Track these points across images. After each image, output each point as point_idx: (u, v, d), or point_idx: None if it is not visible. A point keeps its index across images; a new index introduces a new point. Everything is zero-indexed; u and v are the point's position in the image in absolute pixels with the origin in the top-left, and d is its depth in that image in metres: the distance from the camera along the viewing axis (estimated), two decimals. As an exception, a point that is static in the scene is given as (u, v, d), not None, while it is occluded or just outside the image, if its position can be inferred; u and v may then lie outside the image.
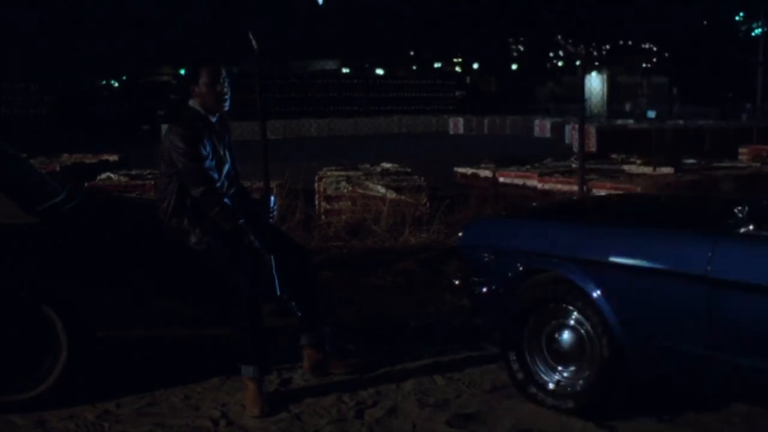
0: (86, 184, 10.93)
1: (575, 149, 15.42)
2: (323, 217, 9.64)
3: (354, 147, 27.73)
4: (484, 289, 4.34)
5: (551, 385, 4.05)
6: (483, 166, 13.78)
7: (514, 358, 4.13)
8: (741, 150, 18.20)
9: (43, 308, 4.14)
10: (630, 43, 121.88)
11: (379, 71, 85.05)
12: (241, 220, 4.24)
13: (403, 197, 9.46)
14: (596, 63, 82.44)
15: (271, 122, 37.38)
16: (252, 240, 4.23)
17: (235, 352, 4.24)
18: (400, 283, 6.68)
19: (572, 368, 4.02)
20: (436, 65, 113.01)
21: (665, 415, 3.90)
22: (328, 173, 11.29)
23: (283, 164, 11.23)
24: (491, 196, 11.62)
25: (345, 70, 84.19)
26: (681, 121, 33.84)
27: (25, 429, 3.98)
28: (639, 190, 10.13)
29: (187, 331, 4.31)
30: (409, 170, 11.97)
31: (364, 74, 76.06)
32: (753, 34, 55.87)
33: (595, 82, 56.63)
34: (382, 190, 9.82)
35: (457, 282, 4.84)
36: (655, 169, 11.98)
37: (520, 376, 4.12)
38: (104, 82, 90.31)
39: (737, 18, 76.44)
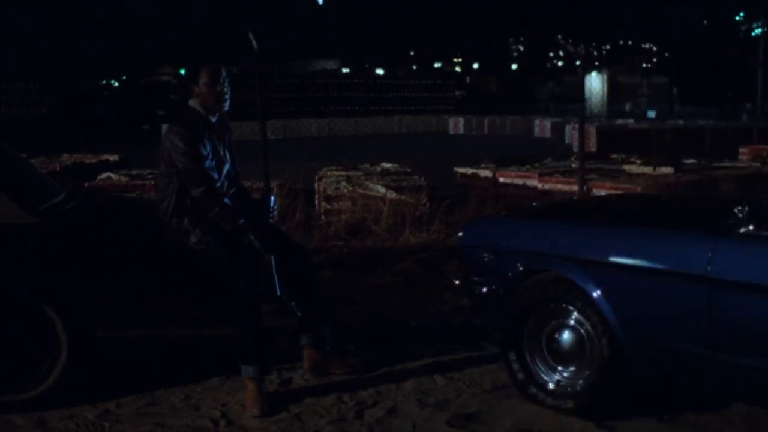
0: (86, 184, 10.94)
1: (575, 149, 15.42)
2: (323, 217, 9.64)
3: (354, 147, 27.71)
4: (484, 289, 4.34)
5: (551, 385, 4.05)
6: (483, 166, 13.78)
7: (514, 358, 4.14)
8: (741, 150, 18.21)
9: (43, 308, 4.14)
10: (630, 43, 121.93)
11: (379, 71, 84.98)
12: (241, 220, 4.24)
13: (403, 197, 9.46)
14: (596, 63, 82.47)
15: (271, 122, 37.36)
16: (252, 240, 4.23)
17: (235, 352, 4.24)
18: (400, 283, 6.69)
19: (572, 368, 4.02)
20: (436, 65, 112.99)
21: (665, 415, 3.90)
22: (328, 173, 11.29)
23: (283, 164, 11.23)
24: (491, 196, 11.62)
25: (345, 70, 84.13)
26: (681, 121, 33.80)
27: (25, 429, 3.98)
28: (639, 190, 10.14)
29: (187, 331, 4.31)
30: (409, 170, 11.97)
31: (364, 74, 75.96)
32: (753, 34, 55.85)
33: (595, 82, 56.61)
34: (382, 190, 9.83)
35: (457, 282, 4.84)
36: (655, 169, 11.98)
37: (520, 376, 4.12)
38: (104, 82, 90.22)
39: (737, 18, 76.38)
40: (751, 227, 3.53)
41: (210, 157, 4.29)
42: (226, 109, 4.42)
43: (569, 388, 4.00)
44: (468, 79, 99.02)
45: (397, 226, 8.79)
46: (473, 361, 4.75)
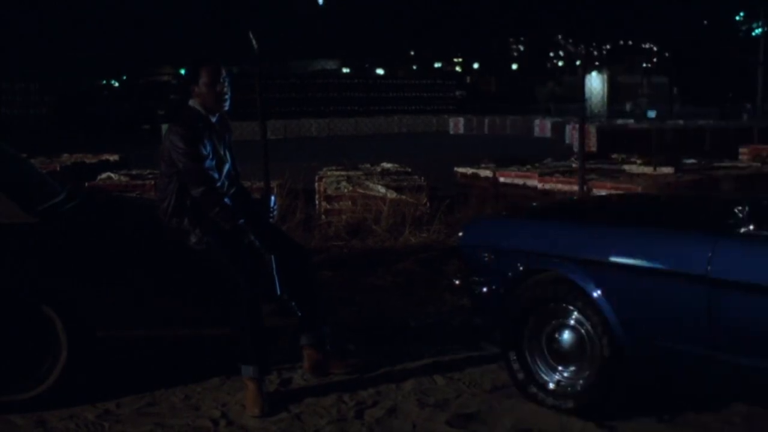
0: (86, 184, 10.93)
1: (575, 149, 15.42)
2: (323, 216, 9.64)
3: (354, 147, 27.71)
4: (485, 289, 4.34)
5: (551, 385, 4.05)
6: (483, 166, 13.75)
7: (515, 357, 4.14)
8: (741, 150, 18.19)
9: (43, 308, 4.14)
10: (630, 43, 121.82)
11: (379, 71, 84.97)
12: (241, 220, 4.24)
13: (403, 197, 9.46)
14: (596, 63, 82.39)
15: (271, 122, 37.35)
16: (252, 240, 4.23)
17: (235, 352, 4.25)
18: (400, 283, 6.68)
19: (572, 368, 4.02)
20: (436, 65, 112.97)
21: (665, 415, 3.90)
22: (329, 173, 11.29)
23: (283, 164, 11.23)
24: (491, 196, 11.61)
25: (345, 70, 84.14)
26: (681, 121, 33.83)
27: (25, 429, 3.98)
28: (639, 190, 10.13)
29: (187, 331, 4.31)
30: (410, 170, 11.97)
31: (364, 74, 75.95)
32: (753, 34, 55.92)
33: (595, 82, 56.59)
34: (382, 189, 9.82)
35: (457, 282, 4.84)
36: (655, 169, 11.96)
37: (520, 375, 4.12)
38: (104, 82, 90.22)
39: (737, 18, 76.44)
40: (751, 227, 3.53)
41: (210, 157, 4.29)
42: (226, 109, 4.43)
43: (569, 388, 4.00)
44: (468, 79, 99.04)
45: (398, 226, 8.79)
46: (473, 361, 4.75)
